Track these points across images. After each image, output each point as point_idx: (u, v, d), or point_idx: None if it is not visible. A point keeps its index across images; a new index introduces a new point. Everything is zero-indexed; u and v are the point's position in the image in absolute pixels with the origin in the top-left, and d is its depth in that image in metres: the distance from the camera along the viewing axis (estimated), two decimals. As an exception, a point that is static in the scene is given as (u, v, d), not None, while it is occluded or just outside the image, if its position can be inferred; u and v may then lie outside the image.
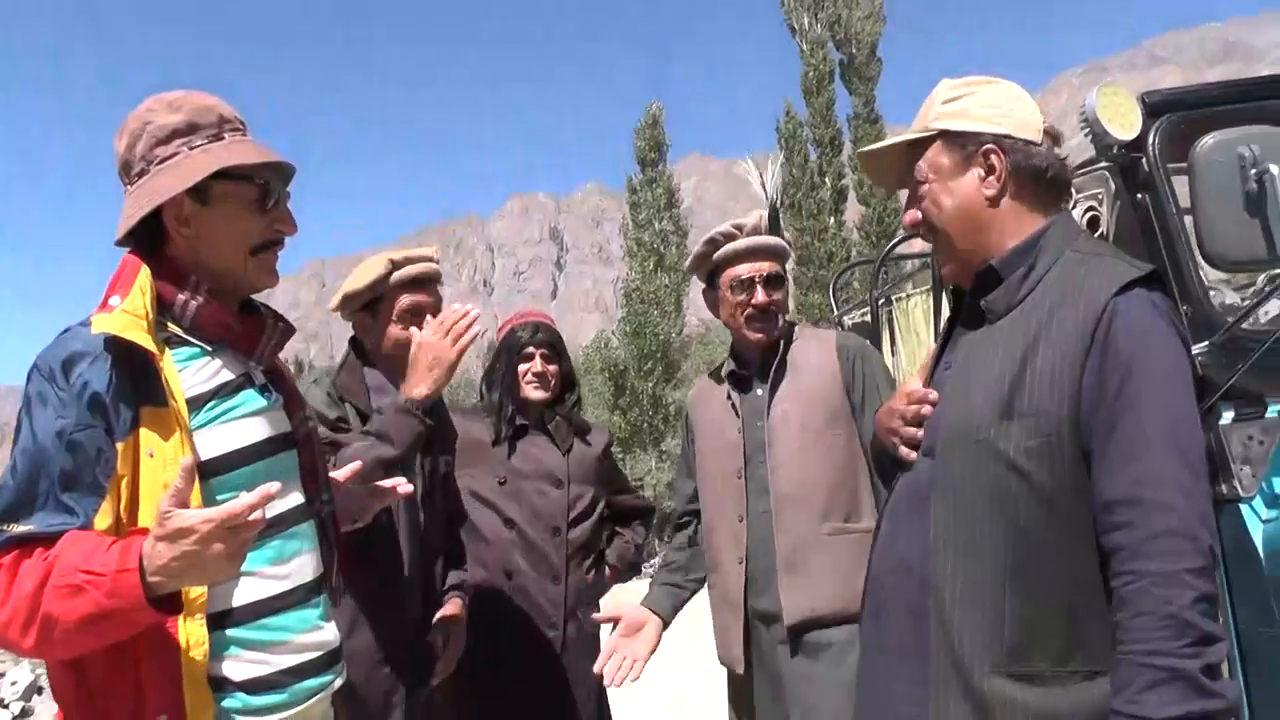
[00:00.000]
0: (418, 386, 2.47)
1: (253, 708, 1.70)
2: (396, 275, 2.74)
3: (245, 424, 1.76)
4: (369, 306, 2.79)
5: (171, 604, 1.53)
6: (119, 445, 1.58)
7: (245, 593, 1.72)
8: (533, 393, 3.28)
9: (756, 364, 2.91)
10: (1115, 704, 1.51)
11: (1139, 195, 2.40)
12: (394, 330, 2.75)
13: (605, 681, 2.83)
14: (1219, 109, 2.41)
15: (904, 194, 2.01)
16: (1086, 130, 2.38)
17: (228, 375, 1.77)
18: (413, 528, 2.71)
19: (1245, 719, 2.10)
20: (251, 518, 1.49)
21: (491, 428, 3.29)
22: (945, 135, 1.87)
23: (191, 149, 1.74)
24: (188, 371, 1.71)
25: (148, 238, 1.75)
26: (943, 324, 2.18)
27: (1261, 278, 2.78)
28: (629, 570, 3.50)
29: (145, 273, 1.70)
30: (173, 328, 1.73)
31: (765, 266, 2.85)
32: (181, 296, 1.74)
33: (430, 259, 2.83)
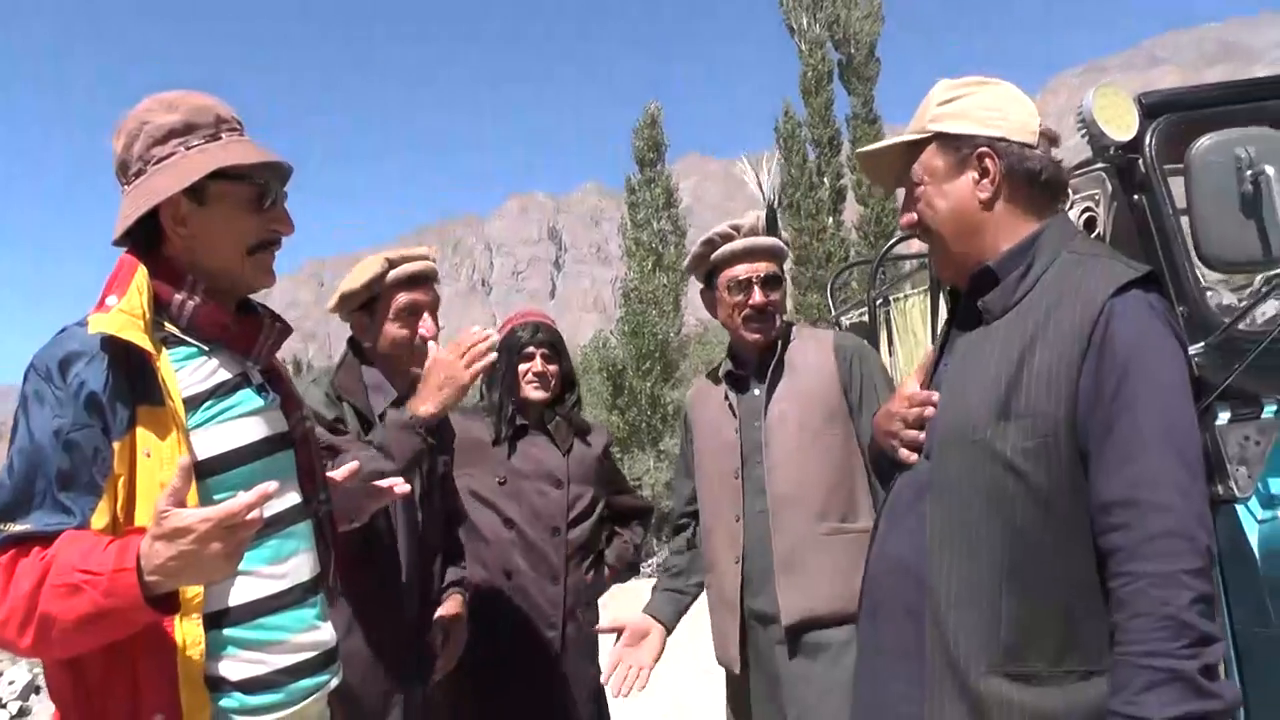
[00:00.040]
0: (425, 404, 2.47)
1: (249, 707, 1.70)
2: (393, 274, 2.74)
3: (242, 424, 1.77)
4: (366, 306, 2.79)
5: (169, 603, 1.53)
6: (116, 445, 1.58)
7: (242, 592, 1.72)
8: (533, 393, 3.28)
9: (754, 364, 2.91)
10: (1114, 704, 1.51)
11: (1136, 196, 2.40)
12: (391, 328, 2.75)
13: (612, 692, 2.86)
14: (1216, 110, 2.41)
15: (902, 194, 2.01)
16: (1083, 131, 2.39)
17: (225, 375, 1.77)
18: (411, 527, 2.71)
19: (1241, 719, 2.10)
20: (249, 517, 1.49)
21: (491, 427, 3.29)
22: (940, 137, 1.87)
23: (188, 149, 1.74)
24: (185, 371, 1.71)
25: (145, 238, 1.75)
26: (940, 325, 2.18)
27: (1259, 278, 2.78)
28: (627, 570, 3.50)
29: (142, 272, 1.70)
30: (170, 327, 1.74)
31: (763, 267, 2.85)
32: (178, 296, 1.74)
33: (426, 257, 2.83)
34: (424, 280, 2.80)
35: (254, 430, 1.78)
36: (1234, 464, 2.23)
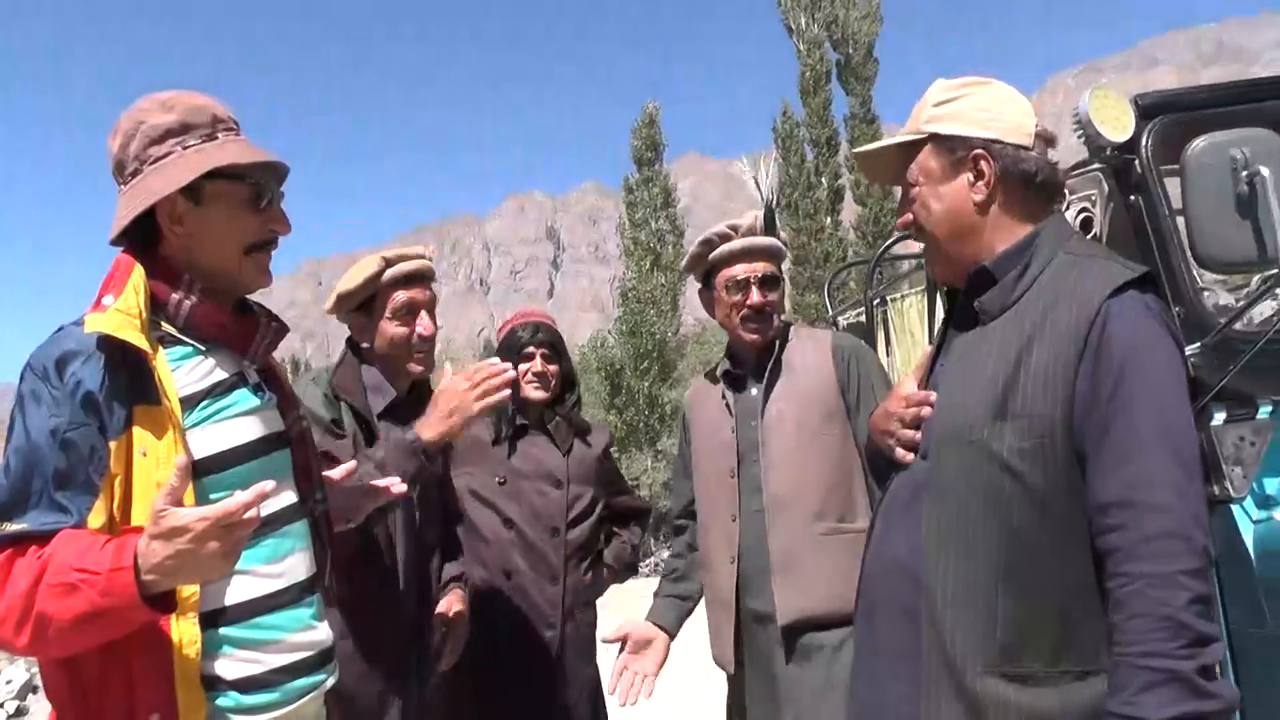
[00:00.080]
0: (430, 430, 2.47)
1: (245, 706, 1.70)
2: (390, 273, 2.74)
3: (238, 423, 1.77)
4: (364, 306, 2.79)
5: (166, 602, 1.53)
6: (112, 444, 1.58)
7: (238, 591, 1.72)
8: (533, 393, 3.28)
9: (752, 364, 2.91)
10: (1112, 705, 1.52)
11: (1132, 197, 2.40)
12: (389, 327, 2.75)
13: (618, 702, 2.87)
14: (1212, 111, 2.42)
15: (899, 193, 2.01)
16: (1080, 132, 2.39)
17: (221, 374, 1.77)
18: (408, 527, 2.71)
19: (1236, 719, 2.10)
20: (246, 516, 1.49)
21: (491, 427, 3.29)
22: (936, 139, 1.87)
23: (185, 149, 1.74)
24: (181, 370, 1.71)
25: (141, 237, 1.76)
26: (937, 325, 2.18)
27: (1255, 279, 2.79)
28: (625, 571, 3.50)
29: (139, 272, 1.70)
30: (166, 327, 1.74)
31: (760, 267, 2.85)
32: (175, 296, 1.74)
33: (423, 256, 2.84)
34: (421, 279, 2.80)
35: (250, 429, 1.78)
36: (1229, 464, 2.23)
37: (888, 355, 5.28)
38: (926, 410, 1.88)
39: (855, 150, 2.05)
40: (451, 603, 2.86)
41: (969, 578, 1.69)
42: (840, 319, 5.99)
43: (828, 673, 2.57)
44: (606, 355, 19.50)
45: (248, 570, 1.71)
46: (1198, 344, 2.25)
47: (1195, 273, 2.36)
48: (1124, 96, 2.38)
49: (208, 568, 1.49)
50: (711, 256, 2.91)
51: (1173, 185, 2.35)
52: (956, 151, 1.83)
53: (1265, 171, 2.10)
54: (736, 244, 2.86)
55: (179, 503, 1.49)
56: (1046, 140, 1.85)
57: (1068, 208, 2.47)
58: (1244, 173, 2.13)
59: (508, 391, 2.49)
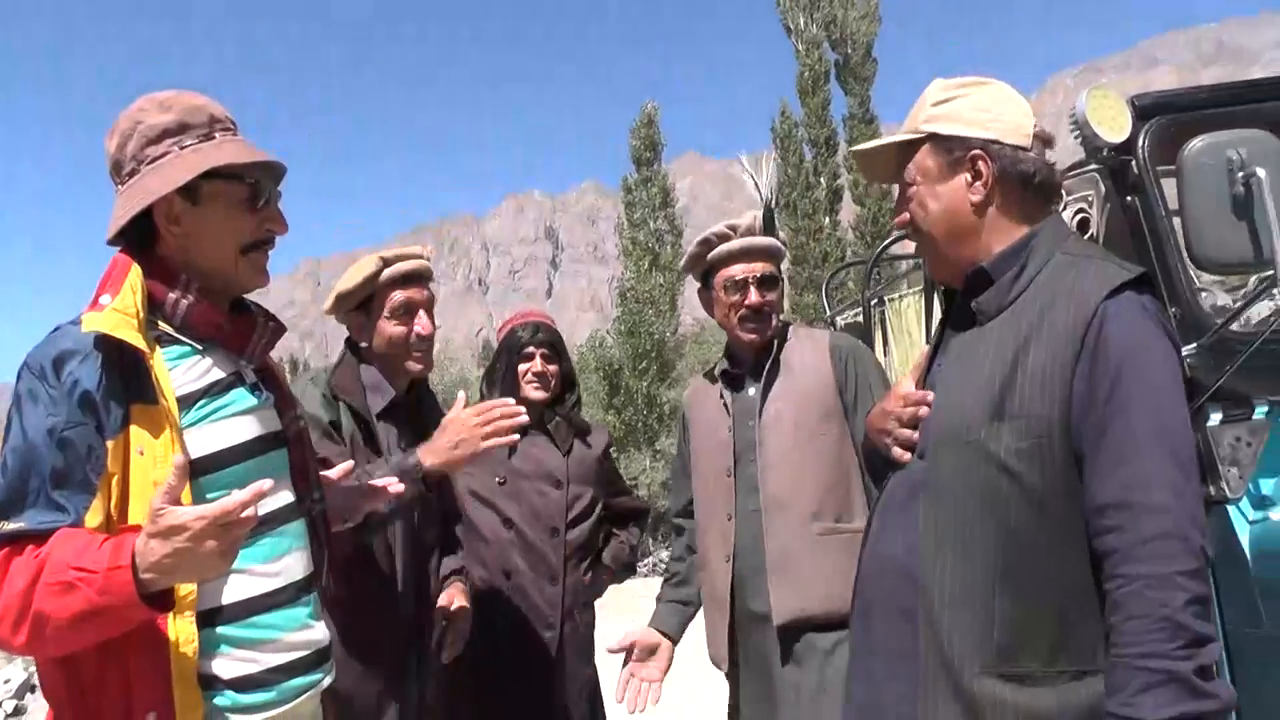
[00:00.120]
0: (432, 457, 2.48)
1: (242, 705, 1.70)
2: (388, 272, 2.75)
3: (235, 422, 1.77)
4: (362, 305, 2.80)
5: (163, 601, 1.54)
6: (109, 443, 1.58)
7: (235, 590, 1.72)
8: (533, 393, 3.27)
9: (750, 364, 2.91)
10: (1110, 706, 1.52)
11: (1129, 198, 2.40)
12: (387, 326, 2.76)
13: (627, 709, 2.89)
14: (1208, 112, 2.42)
15: (897, 192, 2.02)
16: (1076, 133, 2.39)
17: (218, 374, 1.78)
18: (407, 527, 2.71)
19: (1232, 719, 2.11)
20: (244, 515, 1.49)
21: None
22: (934, 138, 1.86)
23: (182, 149, 1.74)
24: (178, 370, 1.71)
25: (139, 237, 1.76)
26: (935, 325, 2.18)
27: (1253, 279, 2.79)
28: (623, 571, 3.50)
29: (136, 271, 1.70)
30: (163, 326, 1.74)
31: (759, 267, 2.85)
32: (172, 295, 1.75)
33: (421, 256, 2.84)
34: (418, 278, 2.81)
35: (247, 429, 1.78)
36: (1225, 465, 2.23)
37: (885, 355, 5.29)
38: (924, 410, 1.88)
39: (853, 148, 2.05)
40: (453, 596, 2.87)
41: (966, 578, 1.69)
42: (838, 319, 5.99)
43: (823, 674, 2.57)
44: (605, 355, 19.48)
45: (245, 569, 1.72)
46: (1194, 344, 2.25)
47: (1192, 273, 2.37)
48: (1121, 97, 2.38)
49: (205, 566, 1.50)
50: (710, 256, 2.91)
51: (1169, 186, 2.35)
52: (954, 151, 1.83)
53: (1261, 172, 2.11)
54: (735, 244, 2.86)
55: (177, 501, 1.50)
56: (1045, 141, 1.85)
57: (1065, 208, 2.48)
58: (1240, 174, 2.13)
59: (516, 436, 2.50)
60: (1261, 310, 2.40)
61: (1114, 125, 2.35)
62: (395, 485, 2.29)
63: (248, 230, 1.81)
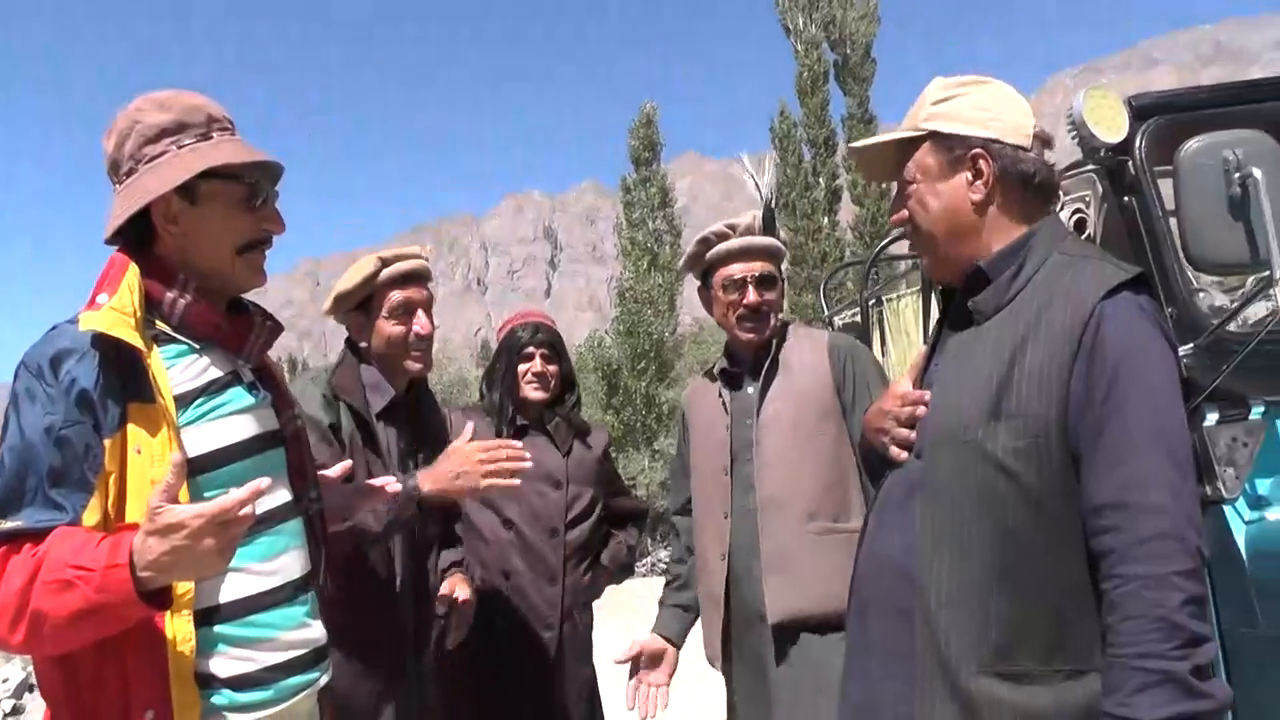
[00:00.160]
0: (431, 484, 2.47)
1: (239, 704, 1.70)
2: (386, 272, 2.76)
3: (233, 421, 1.77)
4: (362, 305, 2.81)
5: (161, 599, 1.54)
6: (107, 442, 1.58)
7: (232, 589, 1.72)
8: (532, 393, 3.27)
9: (749, 363, 2.92)
10: (1107, 706, 1.52)
11: (1126, 198, 2.41)
12: (386, 326, 2.76)
13: (640, 715, 2.92)
14: (1205, 112, 2.42)
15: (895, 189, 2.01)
16: (1074, 133, 2.39)
17: (216, 373, 1.78)
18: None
19: (1228, 719, 2.11)
20: (242, 513, 1.50)
21: (491, 427, 3.29)
22: (934, 136, 1.86)
23: (180, 148, 1.74)
24: (176, 369, 1.72)
25: (136, 236, 1.76)
26: (933, 325, 2.18)
27: (1250, 279, 2.80)
28: (621, 572, 3.50)
29: (133, 271, 1.70)
30: (161, 325, 1.74)
31: (758, 266, 2.85)
32: (170, 294, 1.75)
33: (419, 256, 2.85)
34: (417, 278, 2.81)
35: (245, 428, 1.79)
36: (1222, 465, 2.24)
37: (883, 355, 5.29)
38: (921, 410, 1.88)
39: (852, 145, 2.04)
40: (455, 584, 2.89)
41: (963, 577, 1.69)
42: (836, 319, 6.00)
43: (819, 674, 2.57)
44: (604, 355, 19.46)
45: (242, 568, 1.72)
46: (1191, 345, 2.25)
47: (1189, 274, 2.37)
48: (1119, 97, 2.39)
49: (203, 564, 1.50)
50: (709, 255, 2.92)
51: (1166, 186, 2.36)
52: (955, 150, 1.82)
53: (1258, 173, 2.11)
54: (734, 243, 2.87)
55: (175, 500, 1.50)
56: (1044, 141, 1.85)
57: (1062, 208, 2.48)
58: (1237, 174, 2.14)
59: (517, 481, 2.49)
60: (1258, 310, 2.40)
61: (1111, 125, 2.36)
62: (393, 485, 2.29)
63: (245, 230, 1.81)
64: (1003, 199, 1.82)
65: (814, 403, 2.79)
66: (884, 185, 21.29)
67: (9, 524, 1.54)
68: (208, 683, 1.67)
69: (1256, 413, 2.27)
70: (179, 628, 1.62)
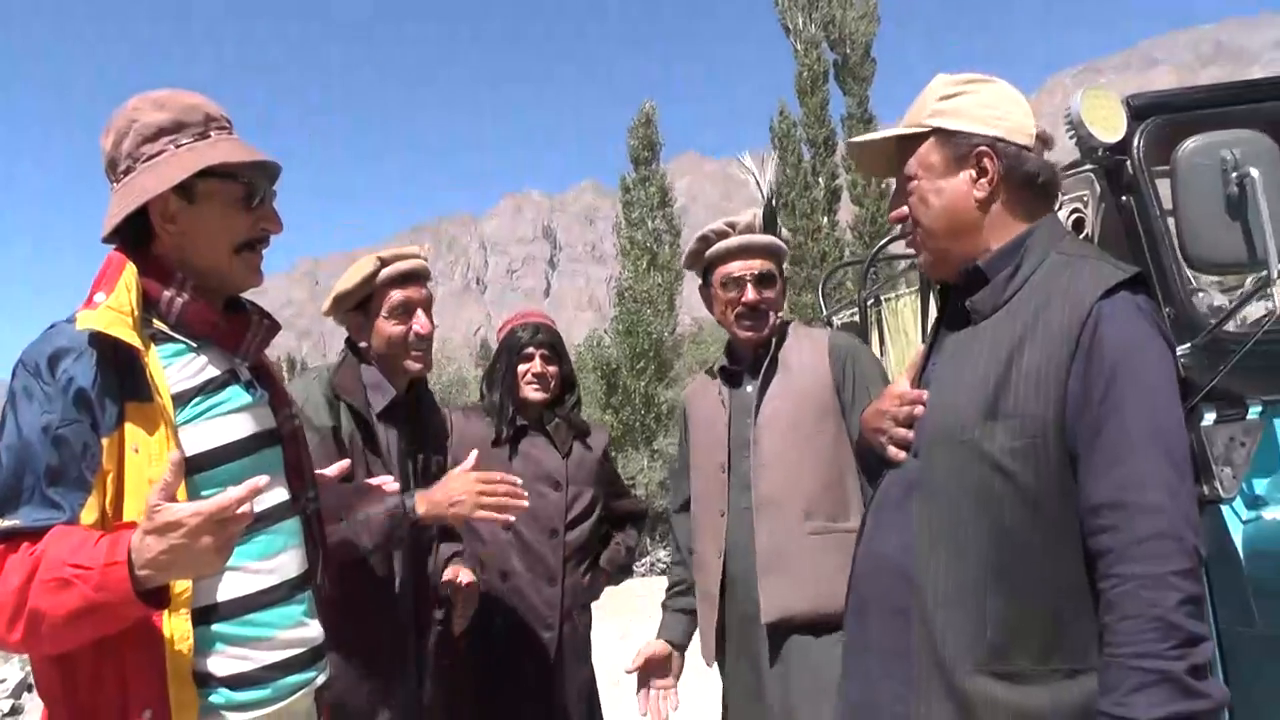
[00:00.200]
0: (427, 506, 2.49)
1: (236, 703, 1.71)
2: (385, 272, 2.76)
3: (230, 420, 1.77)
4: (361, 305, 2.81)
5: (159, 598, 1.55)
6: (104, 440, 1.58)
7: (230, 588, 1.72)
8: (532, 394, 3.27)
9: (749, 361, 2.92)
10: (1103, 705, 1.52)
11: (1123, 198, 2.41)
12: (385, 325, 2.76)
13: (652, 718, 2.94)
14: (1203, 112, 2.42)
15: (893, 190, 2.01)
16: (1072, 133, 2.39)
17: (213, 371, 1.78)
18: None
19: (1225, 718, 2.11)
20: (240, 511, 1.50)
21: (491, 427, 3.29)
22: (939, 133, 1.85)
23: (178, 147, 1.74)
24: (173, 367, 1.72)
25: (134, 235, 1.76)
26: (930, 324, 2.18)
27: (1249, 279, 2.80)
28: (620, 573, 3.50)
29: (131, 269, 1.70)
30: (158, 324, 1.74)
31: (757, 264, 2.85)
32: (167, 293, 1.75)
33: (418, 255, 2.85)
34: (416, 278, 2.82)
35: (242, 427, 1.79)
36: (1219, 465, 2.24)
37: (881, 355, 5.29)
38: (919, 409, 1.87)
39: (852, 140, 2.03)
40: (458, 570, 2.89)
41: (960, 577, 1.69)
42: (834, 319, 6.00)
43: (813, 673, 2.57)
44: (603, 355, 19.46)
45: (239, 567, 1.72)
46: (1188, 344, 2.25)
47: (1187, 273, 2.37)
48: (1116, 97, 2.39)
49: (201, 563, 1.50)
50: (708, 253, 2.92)
51: (1164, 186, 2.36)
52: (960, 147, 1.82)
53: (1255, 173, 2.11)
54: (733, 241, 2.87)
55: (173, 498, 1.50)
56: (1044, 142, 1.85)
57: (1060, 208, 2.48)
58: (1234, 174, 2.13)
59: (511, 518, 2.52)
60: (1256, 310, 2.41)
61: (1109, 125, 2.35)
62: (391, 484, 2.29)
63: (243, 229, 1.81)
64: (1005, 198, 1.81)
65: (813, 402, 2.79)
66: (883, 185, 21.32)
67: (7, 523, 1.54)
68: (205, 681, 1.67)
69: (1254, 412, 2.27)
70: (177, 626, 1.62)
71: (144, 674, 1.59)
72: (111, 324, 1.60)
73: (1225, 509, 2.24)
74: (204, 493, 1.64)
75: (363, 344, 2.82)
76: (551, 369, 3.31)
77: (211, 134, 1.78)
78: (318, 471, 2.10)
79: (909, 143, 1.90)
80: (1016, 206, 1.82)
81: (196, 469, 1.68)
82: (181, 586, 1.61)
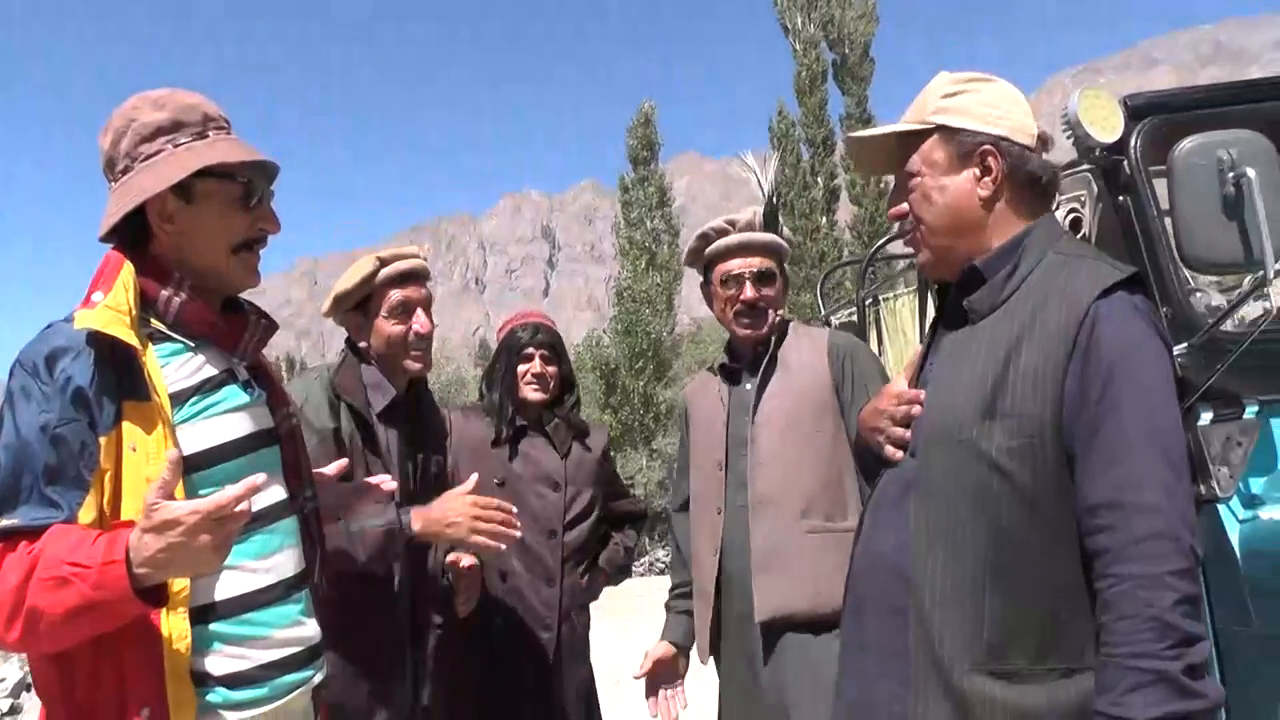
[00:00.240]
0: (424, 525, 2.52)
1: (233, 702, 1.71)
2: (384, 272, 2.76)
3: (227, 419, 1.77)
4: (360, 305, 2.81)
5: (157, 596, 1.55)
6: (102, 439, 1.58)
7: (227, 587, 1.73)
8: (531, 394, 3.27)
9: (748, 359, 2.92)
10: (1099, 705, 1.53)
11: (1121, 197, 2.41)
12: (385, 325, 2.76)
13: (662, 718, 2.97)
14: (1201, 112, 2.42)
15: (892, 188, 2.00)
16: (1069, 132, 2.40)
17: (210, 371, 1.78)
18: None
19: (1222, 718, 2.11)
20: (238, 509, 1.50)
21: (491, 427, 3.29)
22: (942, 130, 1.85)
23: (176, 147, 1.74)
24: (170, 367, 1.72)
25: (132, 234, 1.76)
26: (928, 324, 2.18)
27: (1248, 279, 2.80)
28: (619, 574, 3.50)
29: (128, 269, 1.71)
30: (156, 324, 1.74)
31: (756, 262, 2.85)
32: (165, 293, 1.75)
33: (418, 255, 2.85)
34: (415, 277, 2.82)
35: (239, 426, 1.79)
36: (1216, 464, 2.24)
37: (880, 354, 5.29)
38: (916, 409, 1.88)
39: (853, 134, 2.02)
40: (460, 555, 2.90)
41: (957, 576, 1.69)
42: (833, 318, 6.00)
43: (811, 672, 2.57)
44: (602, 354, 19.47)
45: (236, 566, 1.72)
46: (1185, 344, 2.26)
47: (1184, 273, 2.37)
48: (1113, 97, 2.39)
49: (199, 561, 1.50)
50: (708, 251, 2.92)
51: (1162, 186, 2.36)
52: (964, 145, 1.82)
53: (1251, 173, 2.11)
54: (733, 239, 2.87)
55: (171, 497, 1.50)
56: (1044, 143, 1.85)
57: (1057, 208, 2.48)
58: (1230, 174, 2.13)
59: (503, 547, 2.57)
60: (1253, 310, 2.41)
61: (1106, 125, 2.36)
62: (389, 483, 2.29)
63: (241, 229, 1.81)
64: (1009, 197, 1.82)
65: (811, 401, 2.79)
66: (882, 185, 21.30)
67: (5, 522, 1.54)
68: (203, 680, 1.67)
69: (1251, 412, 2.28)
70: (174, 625, 1.62)
71: (142, 672, 1.59)
72: (109, 323, 1.61)
73: (1222, 508, 2.24)
74: (201, 492, 1.64)
75: (362, 344, 2.82)
76: (551, 369, 3.31)
77: (210, 134, 1.78)
78: (316, 470, 2.10)
79: (911, 139, 1.90)
80: (1020, 206, 1.82)
81: (194, 468, 1.68)
82: (179, 585, 1.61)
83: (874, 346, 5.33)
